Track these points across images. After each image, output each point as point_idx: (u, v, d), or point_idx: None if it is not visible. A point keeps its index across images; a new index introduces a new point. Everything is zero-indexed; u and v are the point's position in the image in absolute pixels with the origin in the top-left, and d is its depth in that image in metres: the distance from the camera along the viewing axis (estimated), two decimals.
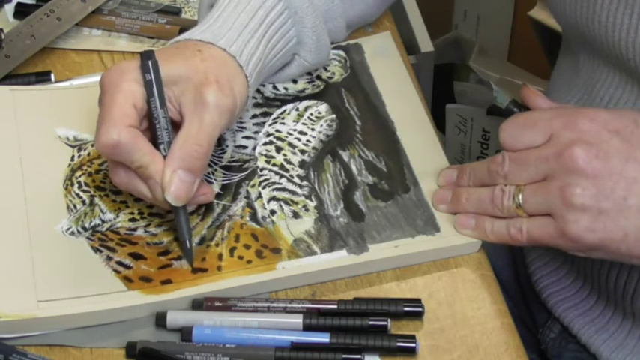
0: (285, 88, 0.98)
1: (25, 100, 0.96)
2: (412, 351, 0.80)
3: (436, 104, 1.62)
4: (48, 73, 1.01)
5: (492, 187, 0.84)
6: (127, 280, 0.83)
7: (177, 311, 0.81)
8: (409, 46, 1.55)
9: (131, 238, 0.86)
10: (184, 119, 0.84)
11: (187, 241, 0.84)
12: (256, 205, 0.89)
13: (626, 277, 0.91)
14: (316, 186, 0.90)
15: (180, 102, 0.84)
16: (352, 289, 0.85)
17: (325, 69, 1.00)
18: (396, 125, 0.95)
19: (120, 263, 0.84)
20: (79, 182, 0.90)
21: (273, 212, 0.88)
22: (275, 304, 0.82)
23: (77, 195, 0.89)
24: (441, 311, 0.83)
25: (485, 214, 0.84)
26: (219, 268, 0.84)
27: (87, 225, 0.87)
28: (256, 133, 0.94)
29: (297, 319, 0.81)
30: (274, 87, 0.98)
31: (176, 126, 0.84)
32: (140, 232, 0.87)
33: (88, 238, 0.86)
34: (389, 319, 0.81)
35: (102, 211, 0.88)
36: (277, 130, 0.94)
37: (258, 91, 0.97)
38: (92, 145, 0.92)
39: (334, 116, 0.96)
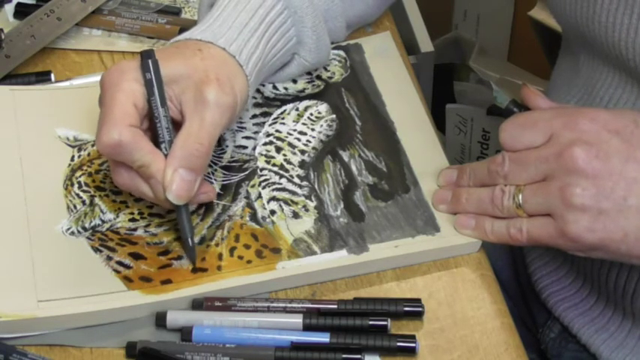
0: (285, 88, 0.98)
1: (25, 100, 0.96)
2: (412, 351, 0.80)
3: (436, 104, 1.62)
4: (48, 73, 1.01)
5: (492, 187, 0.84)
6: (127, 280, 0.83)
7: (177, 311, 0.81)
8: (409, 46, 1.55)
9: (131, 238, 0.86)
10: (185, 118, 0.84)
11: (190, 240, 0.84)
12: (256, 205, 0.89)
13: (626, 277, 0.91)
14: (316, 186, 0.90)
15: (181, 101, 0.84)
16: (352, 289, 0.85)
17: (325, 69, 1.00)
18: (396, 125, 0.95)
19: (120, 263, 0.84)
20: (79, 182, 0.90)
21: (273, 212, 0.88)
22: (275, 304, 0.82)
23: (77, 195, 0.89)
24: (441, 311, 0.83)
25: (485, 214, 0.84)
26: (219, 268, 0.84)
27: (87, 225, 0.87)
28: (256, 133, 0.94)
29: (297, 319, 0.81)
30: (274, 87, 0.98)
31: (177, 125, 0.84)
32: (140, 232, 0.87)
33: (88, 238, 0.86)
34: (389, 319, 0.81)
35: (102, 211, 0.88)
36: (277, 130, 0.94)
37: (258, 91, 0.97)
38: (92, 145, 0.92)
39: (334, 116, 0.96)
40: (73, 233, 0.86)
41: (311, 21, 0.93)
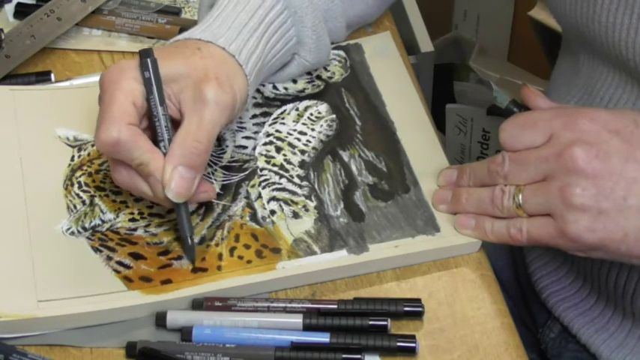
0: (285, 88, 0.98)
1: (25, 100, 0.96)
2: (412, 351, 0.80)
3: (436, 104, 1.62)
4: (48, 73, 1.01)
5: (492, 187, 0.84)
6: (127, 280, 0.83)
7: (177, 311, 0.81)
8: (409, 46, 1.55)
9: (131, 238, 0.86)
10: (184, 116, 0.84)
11: (189, 238, 0.84)
12: (256, 205, 0.89)
13: (626, 277, 0.91)
14: (316, 186, 0.90)
15: (180, 99, 0.84)
16: (352, 289, 0.85)
17: (325, 69, 1.00)
18: (396, 125, 0.95)
19: (120, 263, 0.84)
20: (79, 182, 0.90)
21: (273, 212, 0.88)
22: (275, 304, 0.82)
23: (77, 195, 0.89)
24: (441, 311, 0.83)
25: (486, 214, 0.84)
26: (219, 268, 0.84)
27: (87, 225, 0.87)
28: (256, 133, 0.94)
29: (297, 319, 0.80)
30: (274, 87, 0.98)
31: (176, 124, 0.84)
32: (140, 232, 0.87)
33: (88, 238, 0.86)
34: (389, 319, 0.81)
35: (102, 211, 0.88)
36: (277, 130, 0.94)
37: (258, 91, 0.97)
38: (92, 145, 0.92)
39: (334, 116, 0.96)
40: (73, 233, 0.86)
41: (311, 21, 0.93)
